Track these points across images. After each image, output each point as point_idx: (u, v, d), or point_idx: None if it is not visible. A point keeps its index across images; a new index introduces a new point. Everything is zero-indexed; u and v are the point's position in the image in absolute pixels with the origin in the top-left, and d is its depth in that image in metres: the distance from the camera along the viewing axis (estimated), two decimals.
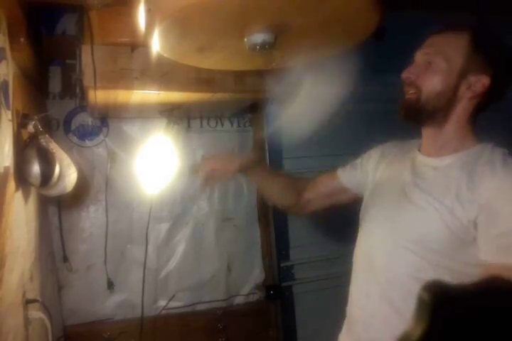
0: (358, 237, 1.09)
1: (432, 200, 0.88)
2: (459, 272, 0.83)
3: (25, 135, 1.21)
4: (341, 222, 1.44)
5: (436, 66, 0.90)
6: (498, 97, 0.92)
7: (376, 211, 1.03)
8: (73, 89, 1.67)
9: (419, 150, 1.02)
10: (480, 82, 0.88)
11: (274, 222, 1.99)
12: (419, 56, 0.95)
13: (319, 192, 1.25)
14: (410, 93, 0.92)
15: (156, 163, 1.60)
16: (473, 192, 0.83)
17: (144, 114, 1.78)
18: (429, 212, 0.88)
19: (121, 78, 1.28)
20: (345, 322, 1.10)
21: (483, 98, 0.91)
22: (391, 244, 0.94)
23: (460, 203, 0.83)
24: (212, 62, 1.13)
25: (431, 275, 0.84)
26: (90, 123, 1.77)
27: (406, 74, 0.93)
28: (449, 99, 0.90)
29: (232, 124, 1.99)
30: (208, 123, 1.95)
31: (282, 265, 2.01)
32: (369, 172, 1.14)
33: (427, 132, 0.98)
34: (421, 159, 0.99)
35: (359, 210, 1.12)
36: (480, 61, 0.88)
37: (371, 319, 0.98)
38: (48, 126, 1.63)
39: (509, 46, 0.92)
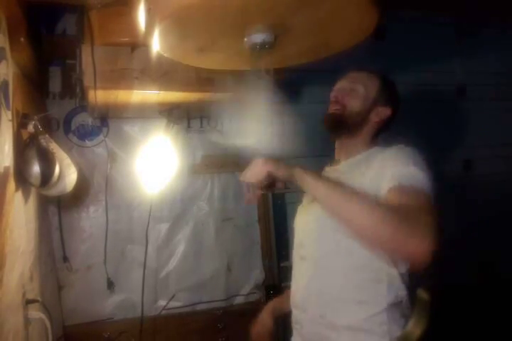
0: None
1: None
2: None
3: (25, 135, 1.21)
4: None
5: (358, 92, 1.15)
6: (390, 126, 1.19)
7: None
8: (73, 89, 1.67)
9: (329, 166, 1.23)
10: (384, 111, 1.15)
11: (274, 222, 1.99)
12: (344, 83, 1.18)
13: None
14: (336, 109, 1.15)
15: (156, 163, 1.60)
16: (371, 167, 1.05)
17: (144, 114, 1.78)
18: None
19: (121, 78, 1.28)
20: None
21: (383, 123, 1.17)
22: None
23: (367, 179, 1.03)
24: (212, 62, 1.13)
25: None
26: (90, 123, 1.77)
27: (334, 94, 1.17)
28: (362, 119, 1.15)
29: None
30: (208, 124, 1.95)
31: (282, 265, 2.02)
32: None
33: (341, 143, 1.21)
34: (330, 168, 1.21)
35: None
36: (385, 96, 1.16)
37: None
38: (48, 126, 1.63)
39: (398, 92, 1.20)
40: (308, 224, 1.15)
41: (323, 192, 0.94)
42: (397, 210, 0.87)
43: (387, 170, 0.99)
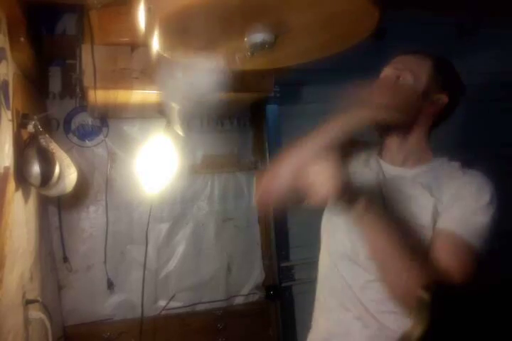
0: (325, 245, 1.12)
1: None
2: None
3: (25, 135, 1.21)
4: None
5: (406, 80, 0.99)
6: (450, 115, 1.04)
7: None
8: (73, 89, 1.67)
9: (380, 158, 1.07)
10: (440, 99, 0.99)
11: (274, 222, 1.99)
12: (389, 70, 1.03)
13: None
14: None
15: (156, 163, 1.60)
16: (439, 193, 0.95)
17: (144, 114, 1.78)
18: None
19: (121, 78, 1.28)
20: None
21: (440, 114, 1.01)
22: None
23: (431, 203, 0.95)
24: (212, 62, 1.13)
25: None
26: (90, 123, 1.77)
27: (378, 88, 1.00)
28: (414, 113, 0.99)
29: (232, 124, 1.99)
30: (208, 123, 1.95)
31: (282, 265, 2.01)
32: None
33: (392, 141, 1.04)
34: (387, 169, 1.05)
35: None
36: (440, 83, 1.00)
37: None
38: (48, 126, 1.63)
39: (458, 73, 1.05)
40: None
41: (377, 236, 0.87)
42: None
43: (455, 205, 0.92)
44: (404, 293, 0.85)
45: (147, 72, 1.28)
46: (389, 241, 0.86)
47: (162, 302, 1.85)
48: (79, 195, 1.71)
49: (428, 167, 1.01)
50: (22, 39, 1.18)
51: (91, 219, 1.77)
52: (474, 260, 0.89)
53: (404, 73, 0.99)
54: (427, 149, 1.04)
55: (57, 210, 1.71)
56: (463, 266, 0.87)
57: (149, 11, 0.85)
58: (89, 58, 1.22)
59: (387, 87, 0.99)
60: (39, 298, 1.23)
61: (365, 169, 1.06)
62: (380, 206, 0.94)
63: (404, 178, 1.01)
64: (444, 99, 0.99)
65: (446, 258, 0.88)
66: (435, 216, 0.94)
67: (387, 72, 1.03)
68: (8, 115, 1.00)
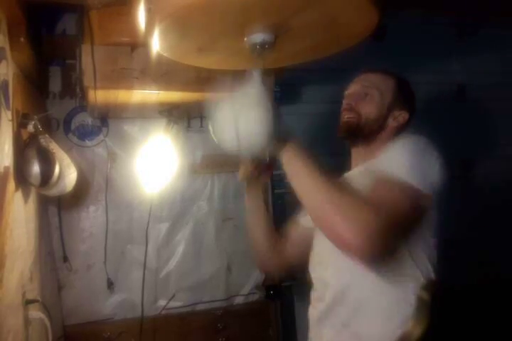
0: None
1: None
2: None
3: (25, 135, 1.21)
4: None
5: (373, 97, 1.08)
6: (409, 127, 1.12)
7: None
8: (73, 89, 1.67)
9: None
10: (402, 115, 1.09)
11: (273, 222, 1.99)
12: (357, 87, 1.11)
13: (292, 240, 1.26)
14: (350, 117, 1.08)
15: (156, 163, 1.60)
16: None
17: (144, 114, 1.78)
18: None
19: (121, 78, 1.28)
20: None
21: (402, 127, 1.10)
22: None
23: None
24: (212, 62, 1.13)
25: None
26: (90, 123, 1.77)
27: (347, 101, 1.10)
28: (379, 126, 1.09)
29: None
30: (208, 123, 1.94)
31: None
32: None
33: (357, 150, 1.13)
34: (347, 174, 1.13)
35: None
36: (402, 99, 1.10)
37: None
38: (48, 126, 1.62)
39: (414, 93, 1.13)
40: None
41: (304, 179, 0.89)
42: (355, 198, 0.86)
43: (384, 162, 0.96)
44: (342, 239, 0.82)
45: (147, 72, 1.28)
46: (314, 184, 0.88)
47: (162, 302, 1.85)
48: (79, 195, 1.71)
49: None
50: (22, 39, 1.18)
51: (91, 218, 1.77)
52: (409, 207, 0.87)
53: (372, 91, 1.08)
54: None
55: (57, 210, 1.71)
56: (385, 208, 0.84)
57: (149, 11, 0.86)
58: (89, 58, 1.22)
59: (356, 102, 1.08)
60: (39, 298, 1.23)
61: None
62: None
63: (349, 176, 1.10)
64: (405, 115, 1.09)
65: (378, 195, 0.87)
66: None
67: (355, 88, 1.11)
68: (8, 115, 1.00)
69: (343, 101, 1.11)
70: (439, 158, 0.95)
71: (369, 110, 1.07)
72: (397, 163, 0.92)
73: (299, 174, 0.91)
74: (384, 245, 0.82)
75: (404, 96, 1.10)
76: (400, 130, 1.10)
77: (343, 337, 0.99)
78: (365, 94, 1.08)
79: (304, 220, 1.22)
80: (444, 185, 0.93)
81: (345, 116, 1.09)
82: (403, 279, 0.95)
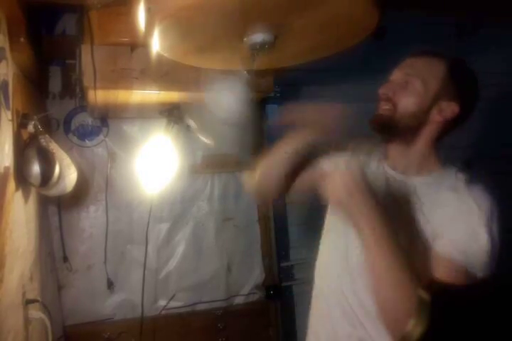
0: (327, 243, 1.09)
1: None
2: None
3: (25, 135, 1.21)
4: None
5: (414, 87, 0.93)
6: (462, 124, 0.97)
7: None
8: (73, 89, 1.67)
9: (385, 161, 1.03)
10: (450, 108, 0.92)
11: (274, 222, 1.99)
12: (398, 75, 0.97)
13: (302, 177, 1.15)
14: (385, 108, 0.95)
15: (156, 163, 1.60)
16: (437, 205, 0.89)
17: (144, 114, 1.78)
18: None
19: (121, 78, 1.28)
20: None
21: (450, 123, 0.94)
22: None
23: (427, 219, 0.89)
24: (212, 62, 1.13)
25: None
26: (90, 123, 1.77)
27: (383, 90, 0.96)
28: (420, 121, 0.94)
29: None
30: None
31: (282, 265, 2.01)
32: None
33: (394, 148, 1.01)
34: (390, 173, 1.01)
35: None
36: (452, 89, 0.92)
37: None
38: (48, 126, 1.62)
39: (477, 79, 0.97)
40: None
41: (374, 239, 0.80)
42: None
43: (452, 225, 0.86)
44: (395, 318, 0.78)
45: (147, 72, 1.28)
46: (390, 251, 0.80)
47: (162, 302, 1.85)
48: (79, 195, 1.71)
49: (431, 178, 0.95)
50: (22, 39, 1.18)
51: (91, 219, 1.77)
52: (472, 285, 0.85)
53: (413, 79, 0.93)
54: (432, 159, 0.98)
55: (57, 210, 1.71)
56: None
57: (149, 11, 0.86)
58: (89, 58, 1.22)
59: (394, 92, 0.94)
60: (39, 298, 1.23)
61: (367, 170, 1.00)
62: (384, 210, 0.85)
63: (406, 186, 0.96)
64: (454, 108, 0.92)
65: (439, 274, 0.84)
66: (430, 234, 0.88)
67: (396, 76, 0.97)
68: (8, 115, 1.00)
69: (379, 91, 0.96)
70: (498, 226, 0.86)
71: (408, 101, 0.92)
72: (470, 247, 0.83)
73: (369, 223, 0.81)
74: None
75: (456, 84, 0.92)
76: (447, 126, 0.95)
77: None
78: (405, 83, 0.93)
79: (326, 166, 1.12)
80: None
81: (380, 108, 0.95)
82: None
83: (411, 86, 0.93)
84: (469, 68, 0.97)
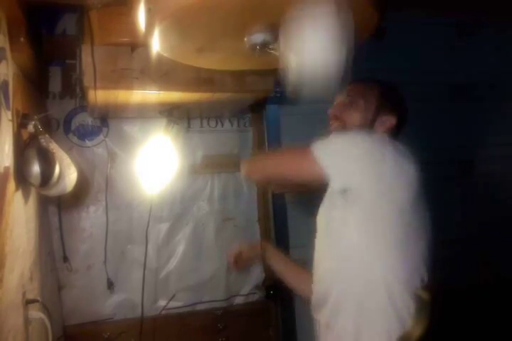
0: None
1: None
2: None
3: (25, 135, 1.21)
4: None
5: (358, 105, 1.13)
6: (399, 132, 1.17)
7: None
8: (73, 89, 1.67)
9: None
10: (389, 120, 1.13)
11: (274, 222, 1.99)
12: (342, 98, 1.17)
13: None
14: (335, 125, 1.15)
15: (156, 163, 1.60)
16: None
17: (144, 114, 1.78)
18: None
19: (121, 78, 1.28)
20: None
21: (390, 132, 1.14)
22: None
23: None
24: (211, 62, 1.13)
25: None
26: (90, 123, 1.77)
27: (332, 111, 1.17)
28: (366, 130, 1.12)
29: (232, 124, 1.99)
30: (208, 123, 1.95)
31: None
32: None
33: None
34: None
35: None
36: (388, 105, 1.14)
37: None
38: (48, 126, 1.63)
39: (403, 97, 1.18)
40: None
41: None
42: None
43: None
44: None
45: (147, 72, 1.28)
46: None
47: (162, 302, 1.85)
48: (79, 195, 1.71)
49: None
50: (22, 39, 1.18)
51: (91, 218, 1.78)
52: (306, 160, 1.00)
53: (357, 99, 1.13)
54: None
55: (57, 210, 1.72)
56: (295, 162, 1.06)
57: (149, 11, 0.86)
58: (89, 58, 1.22)
59: (341, 112, 1.15)
60: (39, 298, 1.23)
61: None
62: None
63: None
64: (392, 119, 1.13)
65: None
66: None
67: (340, 99, 1.17)
68: (8, 115, 1.00)
69: (328, 112, 1.18)
70: (391, 160, 0.97)
71: (354, 117, 1.13)
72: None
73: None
74: None
75: (390, 101, 1.15)
76: (388, 133, 1.14)
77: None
78: (349, 103, 1.14)
79: None
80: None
81: (332, 126, 1.16)
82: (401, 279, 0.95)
83: (355, 104, 1.13)
84: (396, 89, 1.19)
